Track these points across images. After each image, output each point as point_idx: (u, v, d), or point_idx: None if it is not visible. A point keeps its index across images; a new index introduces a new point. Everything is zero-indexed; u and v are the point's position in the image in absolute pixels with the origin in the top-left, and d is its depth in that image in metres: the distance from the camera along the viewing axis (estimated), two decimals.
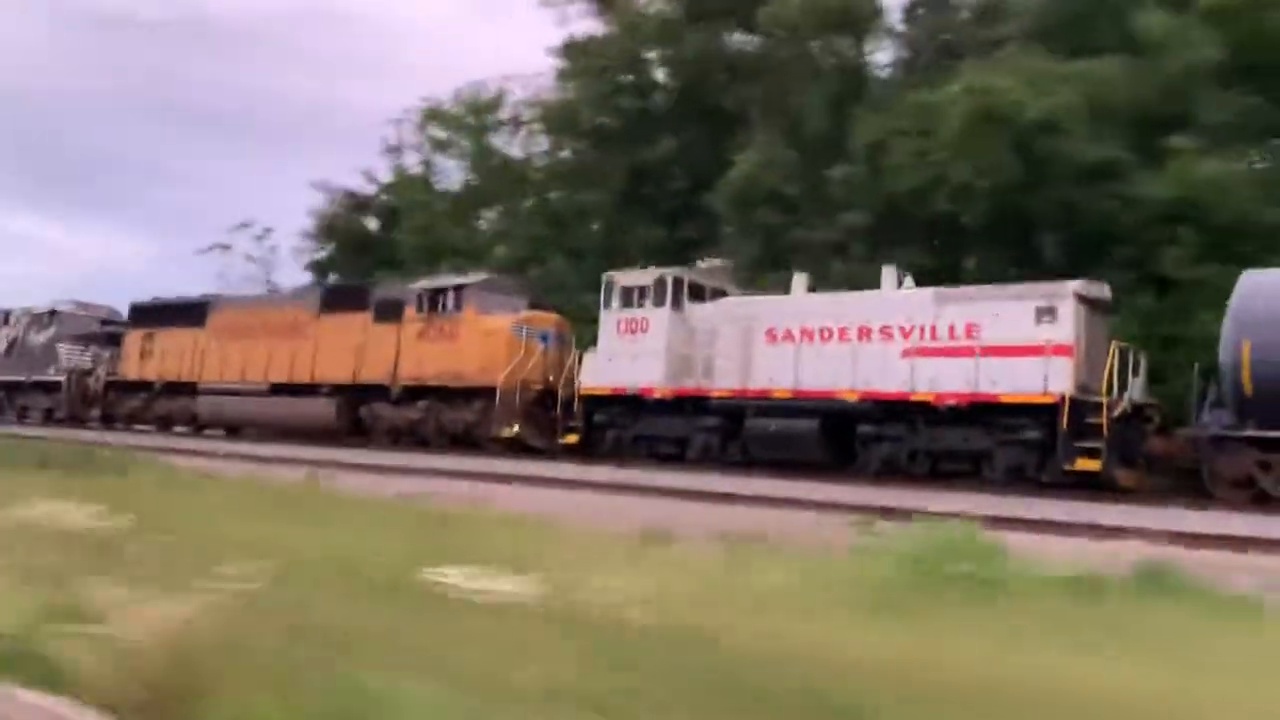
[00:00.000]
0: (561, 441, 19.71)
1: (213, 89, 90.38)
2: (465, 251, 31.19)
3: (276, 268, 41.99)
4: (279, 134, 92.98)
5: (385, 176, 39.72)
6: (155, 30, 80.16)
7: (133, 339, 28.49)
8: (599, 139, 30.32)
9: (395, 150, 39.33)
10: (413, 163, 39.17)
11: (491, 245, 32.07)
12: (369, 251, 37.47)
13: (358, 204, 39.81)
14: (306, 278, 39.92)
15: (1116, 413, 14.48)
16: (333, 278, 37.41)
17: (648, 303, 19.02)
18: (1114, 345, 14.95)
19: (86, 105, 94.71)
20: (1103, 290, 15.96)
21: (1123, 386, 14.87)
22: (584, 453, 19.10)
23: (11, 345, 30.58)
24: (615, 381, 19.00)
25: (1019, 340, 15.21)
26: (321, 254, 39.88)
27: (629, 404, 18.92)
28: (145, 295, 28.28)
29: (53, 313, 30.51)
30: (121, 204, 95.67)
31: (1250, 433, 13.80)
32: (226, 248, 41.89)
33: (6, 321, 31.51)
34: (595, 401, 19.35)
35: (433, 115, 37.54)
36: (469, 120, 36.55)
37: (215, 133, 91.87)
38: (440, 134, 37.76)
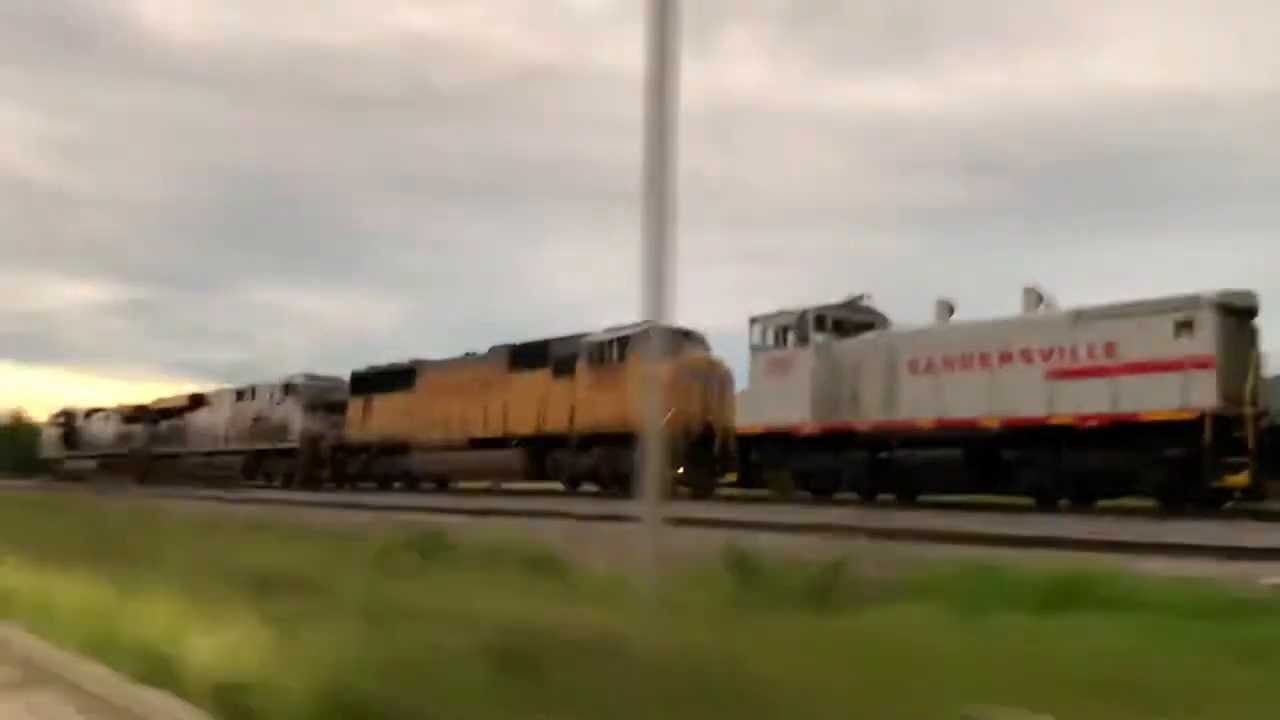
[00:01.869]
0: (722, 480, 20.55)
1: (448, 156, 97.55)
2: None
3: None
4: (517, 193, 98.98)
5: None
6: (390, 107, 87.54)
7: (354, 405, 31.70)
8: None
9: None
10: None
11: None
12: None
13: None
14: None
15: (1264, 424, 13.86)
16: None
17: (791, 340, 19.63)
18: (1255, 354, 14.30)
19: (333, 180, 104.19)
20: (1248, 298, 15.24)
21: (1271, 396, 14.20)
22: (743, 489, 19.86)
23: (257, 418, 34.60)
24: (765, 420, 19.64)
25: (1158, 356, 14.84)
26: None
27: (780, 441, 19.51)
28: (404, 355, 30.89)
29: (287, 386, 34.34)
30: (371, 272, 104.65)
31: None
32: None
33: (252, 396, 35.71)
34: (749, 440, 20.06)
35: None
36: None
37: (453, 197, 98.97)
38: None
